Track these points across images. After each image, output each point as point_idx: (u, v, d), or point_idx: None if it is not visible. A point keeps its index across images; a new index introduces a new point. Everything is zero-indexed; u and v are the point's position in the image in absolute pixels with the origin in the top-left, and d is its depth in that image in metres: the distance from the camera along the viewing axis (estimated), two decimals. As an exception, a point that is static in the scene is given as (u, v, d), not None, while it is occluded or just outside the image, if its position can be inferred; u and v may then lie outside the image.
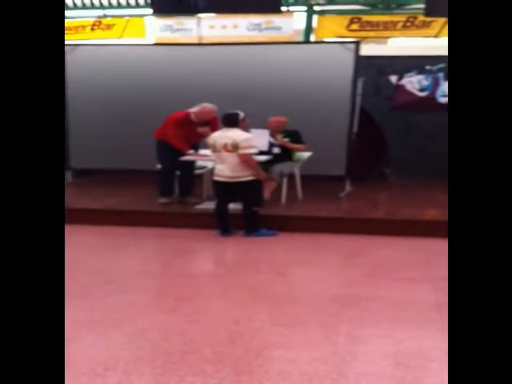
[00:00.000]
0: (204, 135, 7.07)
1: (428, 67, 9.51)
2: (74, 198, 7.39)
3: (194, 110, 7.07)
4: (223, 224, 6.18)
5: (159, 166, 7.26)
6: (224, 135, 6.04)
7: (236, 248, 5.95)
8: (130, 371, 3.19)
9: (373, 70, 9.23)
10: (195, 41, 10.79)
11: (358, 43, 8.23)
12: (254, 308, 4.17)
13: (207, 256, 5.87)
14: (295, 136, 7.29)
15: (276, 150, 7.03)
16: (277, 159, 6.99)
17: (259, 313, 4.08)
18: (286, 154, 7.21)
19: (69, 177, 8.78)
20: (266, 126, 7.19)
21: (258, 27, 10.99)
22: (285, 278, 4.91)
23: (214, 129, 7.08)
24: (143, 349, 3.48)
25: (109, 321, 3.92)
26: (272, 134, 7.17)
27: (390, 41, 12.67)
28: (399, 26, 11.61)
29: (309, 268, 5.17)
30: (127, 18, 11.59)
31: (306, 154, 7.44)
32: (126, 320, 3.92)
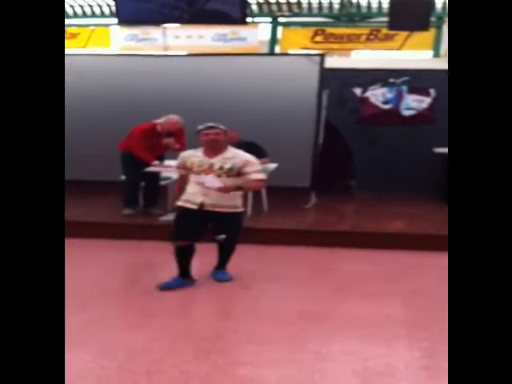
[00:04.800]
0: (169, 146, 7.03)
1: (392, 80, 9.63)
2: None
3: (159, 120, 7.03)
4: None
5: (123, 177, 7.17)
6: None
7: (201, 261, 5.88)
8: None
9: (337, 83, 9.30)
10: (161, 50, 10.72)
11: (323, 56, 8.29)
12: (220, 325, 4.12)
13: (172, 270, 5.79)
14: (252, 149, 7.22)
15: None
16: None
17: (226, 330, 4.03)
18: None
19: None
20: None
21: (223, 38, 10.97)
22: (251, 293, 4.85)
23: (179, 140, 7.04)
24: (107, 368, 3.40)
25: (72, 339, 3.80)
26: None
27: (353, 53, 12.78)
28: (363, 38, 11.73)
29: (275, 282, 5.14)
30: (92, 27, 11.46)
31: (272, 166, 7.43)
32: (89, 338, 3.83)
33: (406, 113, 9.54)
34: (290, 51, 11.15)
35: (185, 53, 10.13)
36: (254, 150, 7.23)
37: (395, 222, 6.96)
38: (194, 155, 4.91)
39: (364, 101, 9.64)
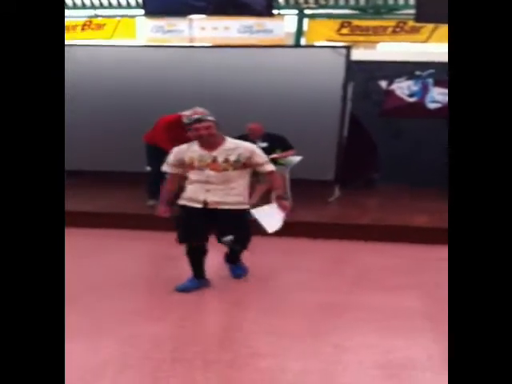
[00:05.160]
0: (193, 139, 7.08)
1: (417, 73, 9.57)
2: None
3: (185, 113, 7.05)
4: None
5: (148, 169, 7.24)
6: None
7: (221, 253, 5.91)
8: (120, 379, 3.19)
9: (362, 75, 9.27)
10: (187, 42, 10.76)
11: (349, 48, 8.25)
12: (241, 316, 4.17)
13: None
14: (278, 142, 7.25)
15: None
16: None
17: (247, 321, 4.08)
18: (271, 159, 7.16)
19: (57, 178, 8.73)
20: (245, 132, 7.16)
21: (249, 29, 10.98)
22: (272, 285, 4.89)
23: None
24: (132, 356, 3.46)
25: (96, 328, 3.89)
26: (252, 140, 7.12)
27: (379, 45, 12.70)
28: (389, 30, 11.65)
29: (297, 274, 5.16)
30: (118, 18, 11.53)
31: (297, 159, 7.45)
32: (113, 327, 3.89)
33: (432, 106, 9.48)
34: (316, 43, 11.12)
35: (210, 44, 10.18)
36: (280, 142, 7.27)
37: (418, 216, 6.93)
38: (191, 150, 4.50)
39: (389, 93, 9.60)
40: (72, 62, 8.42)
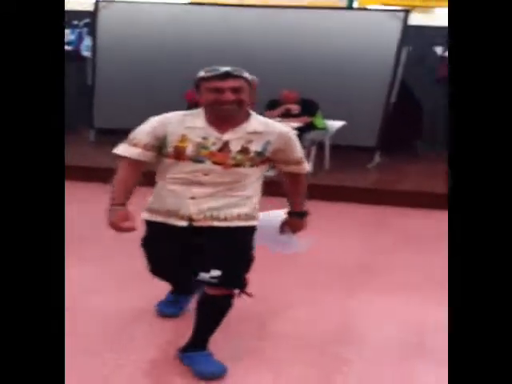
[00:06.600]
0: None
1: (474, 39, 9.28)
2: (94, 157, 7.52)
3: None
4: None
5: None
6: None
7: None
8: (154, 324, 3.40)
9: (418, 40, 9.09)
10: (235, 1, 10.64)
11: (407, 12, 8.04)
12: (277, 271, 4.26)
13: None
14: (308, 107, 7.22)
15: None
16: (305, 128, 6.94)
17: (283, 276, 4.22)
18: (308, 124, 7.16)
19: (92, 135, 8.91)
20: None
21: (301, -10, 10.79)
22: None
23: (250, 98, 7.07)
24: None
25: (131, 278, 4.02)
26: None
27: (436, 10, 12.35)
28: (448, -6, 11.31)
29: (333, 237, 5.22)
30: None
31: (339, 124, 7.39)
32: (148, 278, 3.97)
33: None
34: (369, 6, 10.87)
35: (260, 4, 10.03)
36: (310, 107, 7.19)
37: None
38: (189, 124, 2.71)
39: (444, 60, 9.35)
40: (114, 19, 8.46)
